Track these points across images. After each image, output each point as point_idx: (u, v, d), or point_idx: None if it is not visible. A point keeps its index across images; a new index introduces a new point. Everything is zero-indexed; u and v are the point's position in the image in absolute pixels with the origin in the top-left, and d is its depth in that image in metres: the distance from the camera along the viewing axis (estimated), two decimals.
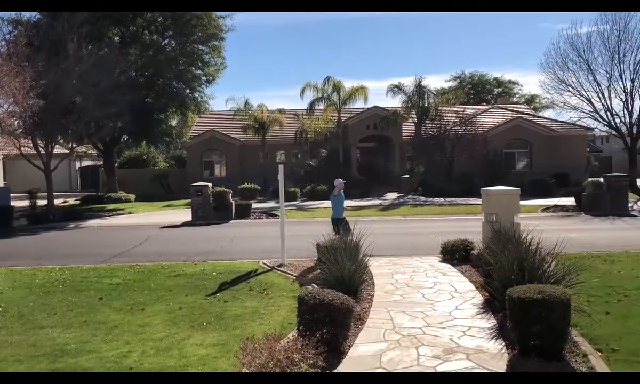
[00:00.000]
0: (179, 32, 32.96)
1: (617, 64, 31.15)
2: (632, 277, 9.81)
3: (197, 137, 38.96)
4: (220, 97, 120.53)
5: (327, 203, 28.19)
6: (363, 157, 39.95)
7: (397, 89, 35.34)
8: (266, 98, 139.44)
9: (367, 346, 6.39)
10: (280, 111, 37.44)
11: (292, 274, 10.80)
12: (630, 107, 31.49)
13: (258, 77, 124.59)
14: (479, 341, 6.48)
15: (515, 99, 62.74)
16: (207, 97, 36.22)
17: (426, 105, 34.88)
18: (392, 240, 14.08)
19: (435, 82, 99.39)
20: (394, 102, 36.79)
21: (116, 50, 29.75)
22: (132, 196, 33.63)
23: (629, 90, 31.27)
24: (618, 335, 6.62)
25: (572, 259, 9.42)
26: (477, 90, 69.18)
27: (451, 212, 23.08)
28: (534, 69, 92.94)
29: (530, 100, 63.51)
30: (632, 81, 31.06)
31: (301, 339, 5.69)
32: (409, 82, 35.66)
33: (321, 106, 36.46)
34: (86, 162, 49.66)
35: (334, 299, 6.19)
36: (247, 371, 5.03)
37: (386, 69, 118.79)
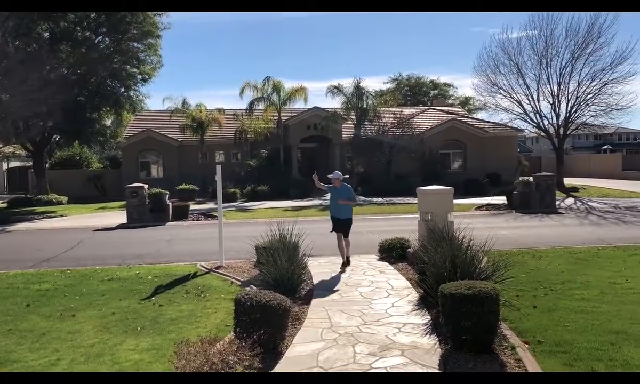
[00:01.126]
0: (113, 29, 31.85)
1: (545, 68, 32.72)
2: (558, 272, 10.28)
3: (132, 137, 37.93)
4: (157, 96, 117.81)
5: (268, 204, 28.21)
6: (304, 157, 40.07)
7: (336, 90, 35.73)
8: (205, 97, 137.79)
9: (304, 346, 6.41)
10: (219, 110, 36.99)
11: (230, 276, 10.68)
12: (557, 109, 33.13)
13: (196, 76, 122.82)
14: (413, 337, 6.62)
15: (450, 101, 64.63)
16: (143, 96, 35.19)
17: (365, 106, 35.46)
18: (331, 240, 14.08)
19: (374, 83, 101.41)
20: (334, 103, 37.24)
21: (46, 46, 28.50)
22: (64, 198, 32.39)
23: (555, 93, 32.89)
24: (544, 327, 6.92)
25: (502, 256, 9.81)
26: (414, 92, 70.88)
27: (389, 211, 23.47)
28: (468, 72, 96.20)
29: (465, 102, 65.64)
30: (559, 85, 32.69)
31: (237, 341, 5.63)
32: (348, 83, 36.12)
33: (261, 106, 36.29)
34: (14, 163, 47.43)
35: (270, 300, 6.17)
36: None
37: (326, 70, 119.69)
